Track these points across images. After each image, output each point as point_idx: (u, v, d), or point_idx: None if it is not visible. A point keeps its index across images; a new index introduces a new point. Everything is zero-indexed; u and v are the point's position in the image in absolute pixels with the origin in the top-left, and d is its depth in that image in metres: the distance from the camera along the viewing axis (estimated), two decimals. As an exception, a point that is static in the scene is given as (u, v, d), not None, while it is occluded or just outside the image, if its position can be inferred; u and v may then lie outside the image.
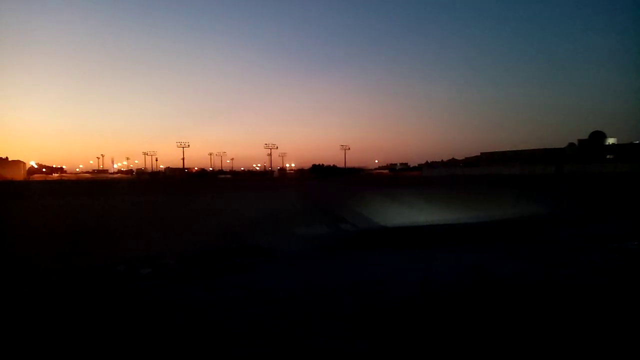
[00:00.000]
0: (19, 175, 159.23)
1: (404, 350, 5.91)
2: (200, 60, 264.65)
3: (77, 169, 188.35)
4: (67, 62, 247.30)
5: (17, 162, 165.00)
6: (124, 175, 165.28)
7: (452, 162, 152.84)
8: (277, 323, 6.95)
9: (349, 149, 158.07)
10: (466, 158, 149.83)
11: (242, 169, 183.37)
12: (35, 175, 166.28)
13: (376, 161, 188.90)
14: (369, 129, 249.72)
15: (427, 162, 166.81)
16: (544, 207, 25.57)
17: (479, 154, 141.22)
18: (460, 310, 7.36)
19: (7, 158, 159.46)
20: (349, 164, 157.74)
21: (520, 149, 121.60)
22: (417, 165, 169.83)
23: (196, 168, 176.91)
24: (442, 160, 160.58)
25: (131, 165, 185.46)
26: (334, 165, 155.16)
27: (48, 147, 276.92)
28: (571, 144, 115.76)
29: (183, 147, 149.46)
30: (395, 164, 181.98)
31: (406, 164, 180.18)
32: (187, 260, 11.85)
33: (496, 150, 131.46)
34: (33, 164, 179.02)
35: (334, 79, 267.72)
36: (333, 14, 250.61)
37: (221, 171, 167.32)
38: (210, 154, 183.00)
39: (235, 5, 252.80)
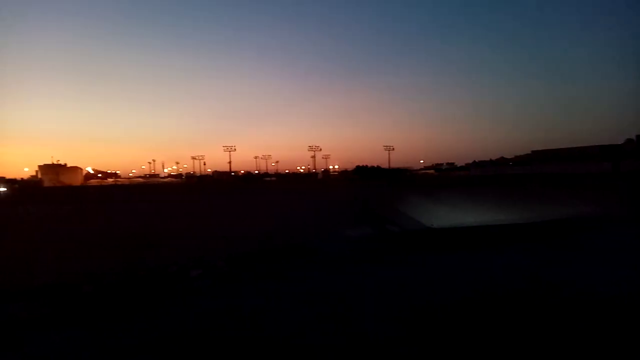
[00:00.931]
0: (77, 180, 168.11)
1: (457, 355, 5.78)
2: (244, 65, 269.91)
3: (130, 174, 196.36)
4: (119, 73, 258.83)
5: (75, 169, 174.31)
6: (173, 180, 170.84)
7: (501, 161, 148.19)
8: (325, 327, 6.95)
9: (393, 149, 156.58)
10: (516, 156, 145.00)
11: (287, 171, 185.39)
12: (92, 181, 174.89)
13: (421, 161, 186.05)
14: (414, 129, 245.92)
15: (474, 161, 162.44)
16: (599, 207, 24.32)
17: (530, 152, 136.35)
18: (515, 318, 7.10)
19: (66, 164, 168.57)
20: (393, 165, 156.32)
21: (573, 146, 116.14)
22: (464, 164, 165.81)
23: (242, 171, 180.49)
24: (490, 159, 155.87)
25: (180, 170, 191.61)
26: (377, 166, 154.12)
27: (103, 153, 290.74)
28: (629, 140, 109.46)
29: (229, 151, 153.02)
30: (441, 164, 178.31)
31: (453, 163, 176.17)
32: (235, 262, 12.05)
33: (548, 148, 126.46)
34: (90, 170, 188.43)
35: (377, 79, 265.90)
36: (374, 14, 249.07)
37: (266, 174, 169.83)
38: (256, 157, 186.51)
39: (278, 9, 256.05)
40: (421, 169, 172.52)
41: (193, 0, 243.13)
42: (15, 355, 6.21)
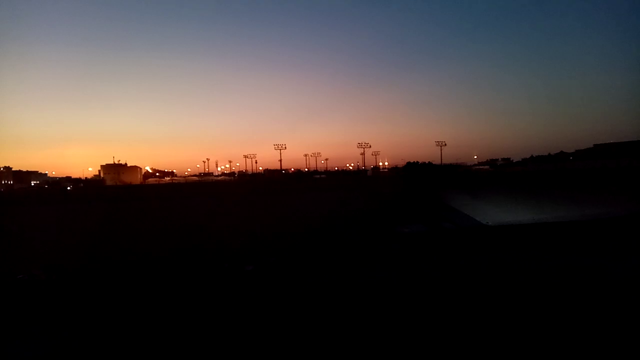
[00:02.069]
0: (136, 179, 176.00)
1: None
2: (294, 64, 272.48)
3: (186, 173, 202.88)
4: (175, 76, 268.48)
5: (135, 168, 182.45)
6: (227, 178, 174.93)
7: (561, 156, 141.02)
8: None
9: (445, 144, 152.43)
10: (577, 150, 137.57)
11: (336, 168, 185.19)
12: (150, 179, 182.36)
13: (475, 157, 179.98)
14: (467, 123, 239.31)
15: (531, 156, 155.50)
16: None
17: (592, 146, 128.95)
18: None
19: (126, 164, 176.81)
20: (446, 161, 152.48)
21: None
22: (520, 159, 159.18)
23: (292, 169, 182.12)
24: (549, 153, 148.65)
25: (233, 168, 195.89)
26: (429, 162, 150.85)
27: (160, 153, 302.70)
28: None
29: (280, 149, 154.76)
30: (496, 159, 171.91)
31: (508, 159, 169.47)
32: (285, 257, 12.10)
33: (612, 142, 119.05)
34: (148, 169, 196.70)
35: (427, 75, 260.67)
36: (424, 7, 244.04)
37: (316, 171, 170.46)
38: (306, 155, 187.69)
39: (326, 7, 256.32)
40: (475, 165, 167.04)
41: (243, 1, 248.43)
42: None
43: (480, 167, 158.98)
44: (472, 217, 19.79)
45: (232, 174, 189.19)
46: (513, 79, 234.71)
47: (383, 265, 10.86)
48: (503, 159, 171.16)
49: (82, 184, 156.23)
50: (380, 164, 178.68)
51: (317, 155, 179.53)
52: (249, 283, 9.68)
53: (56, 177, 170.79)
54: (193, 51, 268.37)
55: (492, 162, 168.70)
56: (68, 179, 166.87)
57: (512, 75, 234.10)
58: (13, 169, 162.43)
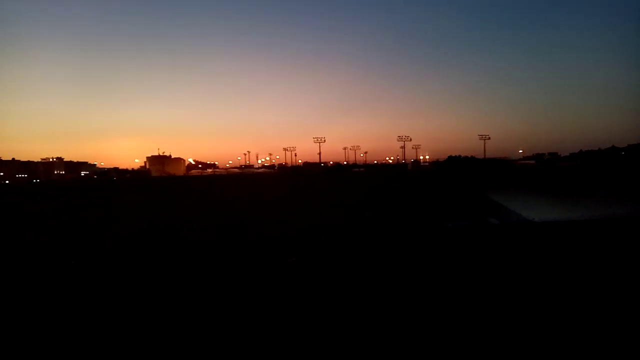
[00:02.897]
0: (180, 170, 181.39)
1: None
2: (334, 57, 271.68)
3: (227, 165, 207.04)
4: (217, 71, 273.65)
5: (179, 160, 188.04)
6: (267, 170, 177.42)
7: (612, 151, 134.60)
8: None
9: (489, 138, 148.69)
10: (629, 145, 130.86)
11: (375, 162, 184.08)
12: (193, 171, 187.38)
13: (520, 151, 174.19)
14: (512, 117, 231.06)
15: (580, 151, 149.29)
16: None
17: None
18: None
19: (170, 156, 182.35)
20: (489, 155, 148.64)
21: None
22: (568, 154, 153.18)
23: (331, 162, 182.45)
24: (599, 148, 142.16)
25: (273, 161, 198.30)
26: (471, 156, 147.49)
27: (203, 145, 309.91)
28: None
29: (319, 142, 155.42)
30: (543, 154, 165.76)
31: (555, 153, 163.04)
32: (324, 250, 12.09)
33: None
34: (191, 160, 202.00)
35: (470, 65, 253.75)
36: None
37: (355, 164, 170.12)
38: (345, 148, 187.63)
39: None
40: (520, 159, 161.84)
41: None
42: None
43: (526, 161, 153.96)
44: (517, 213, 19.12)
45: (272, 166, 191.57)
46: (561, 70, 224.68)
47: (432, 261, 10.64)
48: (550, 154, 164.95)
49: (128, 175, 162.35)
50: (421, 157, 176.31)
51: (356, 148, 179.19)
52: (291, 275, 9.69)
53: (104, 168, 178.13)
54: (236, 45, 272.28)
55: (538, 157, 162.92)
56: (116, 170, 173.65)
57: (560, 67, 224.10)
58: (65, 160, 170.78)
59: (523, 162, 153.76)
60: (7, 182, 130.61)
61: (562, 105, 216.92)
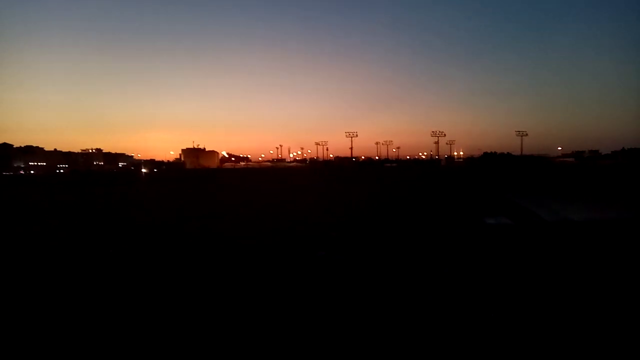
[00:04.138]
0: (214, 163, 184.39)
1: None
2: (367, 51, 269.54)
3: (260, 158, 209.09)
4: (250, 66, 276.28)
5: (213, 152, 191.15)
6: (298, 164, 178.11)
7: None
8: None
9: (526, 134, 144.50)
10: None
11: (408, 157, 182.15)
12: (226, 164, 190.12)
13: (559, 148, 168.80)
14: (550, 113, 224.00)
15: (623, 148, 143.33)
16: None
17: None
18: None
19: (205, 148, 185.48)
20: (526, 152, 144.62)
21: None
22: (610, 152, 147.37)
23: (363, 157, 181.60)
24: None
25: (305, 155, 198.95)
26: (508, 153, 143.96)
27: (236, 138, 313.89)
28: None
29: (351, 137, 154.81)
30: (583, 151, 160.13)
31: (596, 151, 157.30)
32: (358, 245, 11.90)
33: None
34: (224, 153, 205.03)
35: (507, 60, 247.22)
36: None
37: (387, 160, 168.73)
38: (377, 143, 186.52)
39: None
40: (558, 157, 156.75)
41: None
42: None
43: (565, 159, 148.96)
44: (556, 211, 18.40)
45: (303, 160, 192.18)
46: (602, 65, 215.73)
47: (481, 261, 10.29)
48: (590, 151, 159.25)
49: (164, 167, 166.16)
50: (455, 153, 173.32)
51: (388, 143, 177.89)
52: (322, 268, 9.55)
53: (141, 160, 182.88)
54: (271, 40, 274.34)
55: (577, 154, 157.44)
56: (152, 162, 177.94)
57: (602, 62, 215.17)
58: (104, 151, 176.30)
59: (562, 159, 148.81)
60: (61, 171, 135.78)
61: (604, 101, 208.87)
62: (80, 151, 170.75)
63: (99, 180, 65.79)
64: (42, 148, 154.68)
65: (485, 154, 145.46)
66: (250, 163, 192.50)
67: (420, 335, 5.97)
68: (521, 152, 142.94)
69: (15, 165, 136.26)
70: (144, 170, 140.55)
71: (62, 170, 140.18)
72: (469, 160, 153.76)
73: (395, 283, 8.29)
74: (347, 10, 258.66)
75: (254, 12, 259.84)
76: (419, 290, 7.88)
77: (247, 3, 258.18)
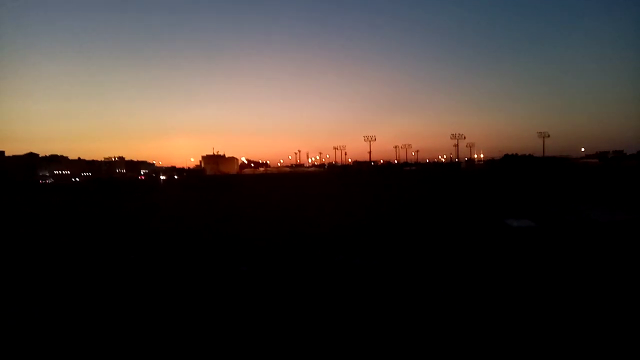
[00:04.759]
0: (233, 169, 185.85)
1: None
2: (385, 55, 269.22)
3: (279, 164, 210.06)
4: (268, 72, 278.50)
5: (232, 159, 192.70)
6: (317, 169, 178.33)
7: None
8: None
9: (549, 136, 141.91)
10: None
11: (427, 160, 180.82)
12: (246, 170, 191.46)
13: (582, 149, 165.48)
14: (573, 113, 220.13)
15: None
16: None
17: None
18: None
19: (224, 155, 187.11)
20: (548, 153, 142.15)
21: None
22: (635, 152, 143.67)
23: (382, 160, 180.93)
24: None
25: (323, 159, 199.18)
26: (529, 154, 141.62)
27: (255, 144, 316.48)
28: None
29: (370, 141, 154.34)
30: (607, 152, 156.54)
31: (621, 151, 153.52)
32: (377, 250, 11.92)
33: None
34: (244, 159, 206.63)
35: (528, 61, 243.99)
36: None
37: (406, 163, 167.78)
38: (396, 147, 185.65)
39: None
40: (582, 158, 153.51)
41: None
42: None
43: (589, 160, 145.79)
44: (581, 213, 18.11)
45: (322, 165, 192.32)
46: (625, 64, 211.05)
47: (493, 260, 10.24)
48: (615, 152, 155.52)
49: (185, 173, 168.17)
50: (475, 156, 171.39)
51: (407, 146, 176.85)
52: (340, 273, 9.62)
53: (162, 167, 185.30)
54: (286, 46, 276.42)
55: (601, 155, 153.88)
56: (173, 169, 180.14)
57: (625, 60, 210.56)
58: (126, 159, 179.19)
59: (585, 160, 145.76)
60: (76, 179, 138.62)
61: (627, 100, 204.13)
62: (103, 159, 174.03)
63: (120, 188, 66.94)
64: (66, 157, 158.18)
65: (506, 156, 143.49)
66: (269, 168, 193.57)
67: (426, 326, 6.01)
68: (543, 153, 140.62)
69: (40, 173, 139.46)
70: (162, 177, 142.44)
71: (76, 179, 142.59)
72: (490, 163, 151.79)
73: (411, 290, 8.30)
74: (366, 15, 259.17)
75: (273, 17, 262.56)
76: (427, 293, 7.91)
77: (265, 9, 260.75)
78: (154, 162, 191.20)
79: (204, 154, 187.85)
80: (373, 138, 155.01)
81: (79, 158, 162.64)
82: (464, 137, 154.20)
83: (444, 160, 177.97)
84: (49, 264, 12.11)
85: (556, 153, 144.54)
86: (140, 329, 6.94)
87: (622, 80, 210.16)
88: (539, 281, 8.72)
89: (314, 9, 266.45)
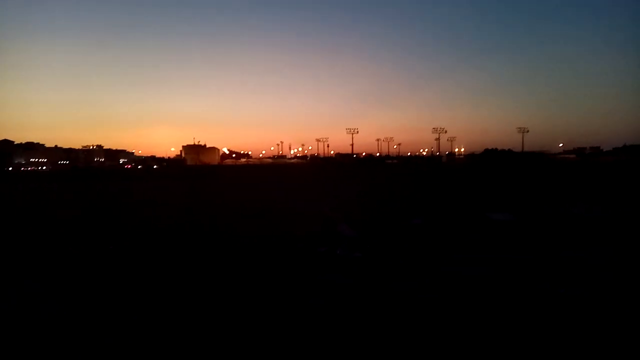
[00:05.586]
0: (214, 160, 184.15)
1: None
2: (367, 48, 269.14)
3: (260, 155, 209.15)
4: (249, 62, 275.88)
5: (213, 149, 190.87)
6: (299, 161, 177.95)
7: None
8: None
9: (528, 131, 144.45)
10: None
11: (409, 154, 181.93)
12: (227, 160, 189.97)
13: (560, 145, 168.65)
14: (552, 109, 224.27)
15: (624, 145, 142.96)
16: None
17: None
18: None
19: (205, 145, 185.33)
20: (527, 148, 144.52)
21: None
22: (611, 149, 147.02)
23: (364, 153, 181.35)
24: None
25: (306, 151, 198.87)
26: (509, 149, 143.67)
27: (237, 135, 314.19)
28: None
29: (352, 133, 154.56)
30: (584, 148, 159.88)
31: (598, 147, 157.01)
32: (360, 241, 11.84)
33: None
34: (225, 150, 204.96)
35: (508, 57, 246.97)
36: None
37: (388, 156, 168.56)
38: (378, 140, 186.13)
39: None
40: (560, 153, 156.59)
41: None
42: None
43: (566, 155, 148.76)
44: (558, 207, 18.36)
45: (304, 157, 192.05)
46: (603, 61, 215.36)
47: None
48: (592, 148, 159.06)
49: (165, 163, 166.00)
50: (456, 150, 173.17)
51: (389, 140, 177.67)
52: (322, 265, 9.50)
53: (142, 156, 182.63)
54: (268, 38, 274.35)
55: (579, 151, 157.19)
56: (153, 158, 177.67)
57: (603, 58, 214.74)
58: (104, 148, 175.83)
59: (563, 156, 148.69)
60: (43, 167, 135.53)
61: (605, 98, 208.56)
62: (81, 147, 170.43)
63: (94, 177, 65.63)
64: (42, 144, 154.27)
65: (487, 150, 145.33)
66: (251, 160, 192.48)
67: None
68: (522, 148, 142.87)
69: (16, 161, 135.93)
70: (139, 167, 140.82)
71: (44, 167, 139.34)
72: (470, 157, 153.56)
73: (392, 282, 8.23)
74: (349, 8, 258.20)
75: (255, 10, 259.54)
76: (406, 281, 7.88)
77: (246, 4, 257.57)
78: (134, 151, 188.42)
79: (185, 144, 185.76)
80: (355, 131, 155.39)
81: (56, 146, 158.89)
82: (446, 132, 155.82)
83: (425, 154, 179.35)
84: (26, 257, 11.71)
85: (535, 148, 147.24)
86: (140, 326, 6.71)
87: (601, 77, 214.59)
88: (514, 267, 8.78)
89: (297, 3, 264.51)
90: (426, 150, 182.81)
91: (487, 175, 47.07)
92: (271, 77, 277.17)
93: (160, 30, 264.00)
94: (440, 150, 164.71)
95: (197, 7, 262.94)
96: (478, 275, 8.59)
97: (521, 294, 7.39)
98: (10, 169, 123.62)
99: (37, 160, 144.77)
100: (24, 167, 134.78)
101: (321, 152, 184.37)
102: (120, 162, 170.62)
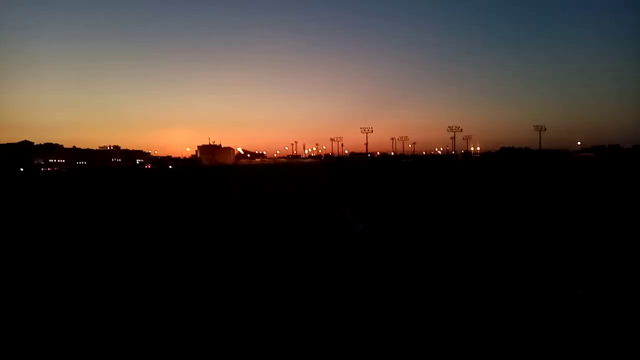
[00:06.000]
0: (230, 160, 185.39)
1: None
2: (382, 48, 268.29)
3: (275, 154, 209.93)
4: (266, 63, 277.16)
5: (228, 149, 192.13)
6: (313, 160, 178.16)
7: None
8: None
9: (545, 129, 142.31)
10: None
11: (424, 153, 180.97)
12: (242, 160, 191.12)
13: (579, 143, 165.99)
14: (570, 107, 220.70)
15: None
16: None
17: None
18: None
19: (220, 145, 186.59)
20: (545, 146, 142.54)
21: None
22: (631, 147, 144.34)
23: (378, 152, 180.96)
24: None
25: (320, 151, 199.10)
26: (526, 147, 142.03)
27: (252, 135, 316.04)
28: None
29: (367, 133, 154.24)
30: (603, 146, 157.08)
31: (617, 145, 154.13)
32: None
33: None
34: (240, 150, 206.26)
35: (526, 54, 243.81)
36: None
37: (403, 155, 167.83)
38: (392, 139, 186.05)
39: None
40: (578, 151, 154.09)
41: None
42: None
43: (585, 154, 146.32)
44: (578, 207, 17.98)
45: (318, 156, 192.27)
46: (623, 58, 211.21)
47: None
48: (610, 146, 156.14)
49: (180, 163, 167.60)
50: (472, 148, 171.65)
51: (404, 138, 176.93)
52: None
53: (158, 156, 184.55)
54: (283, 39, 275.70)
55: (597, 149, 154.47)
56: (169, 158, 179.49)
57: (622, 55, 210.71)
58: (121, 148, 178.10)
59: (581, 154, 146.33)
60: (56, 168, 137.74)
61: (624, 95, 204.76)
62: (98, 148, 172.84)
63: (108, 178, 66.30)
64: (61, 145, 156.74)
65: (503, 148, 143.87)
66: (265, 159, 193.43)
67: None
68: (539, 146, 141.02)
69: (35, 162, 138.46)
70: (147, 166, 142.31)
71: (55, 168, 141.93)
72: (486, 155, 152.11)
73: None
74: (363, 8, 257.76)
75: (271, 10, 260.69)
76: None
77: (263, 2, 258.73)
78: (150, 151, 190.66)
79: (200, 144, 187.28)
80: (370, 130, 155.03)
81: (74, 147, 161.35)
82: (461, 130, 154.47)
83: (440, 152, 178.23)
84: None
85: (552, 146, 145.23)
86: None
87: (619, 75, 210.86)
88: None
89: (313, 3, 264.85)
90: (441, 149, 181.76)
91: (505, 174, 46.47)
92: (286, 77, 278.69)
93: (177, 32, 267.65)
94: (456, 149, 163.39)
95: (213, 8, 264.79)
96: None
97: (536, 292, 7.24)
98: (25, 169, 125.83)
99: (55, 160, 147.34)
100: (43, 168, 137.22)
101: (335, 151, 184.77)
102: (137, 162, 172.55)
